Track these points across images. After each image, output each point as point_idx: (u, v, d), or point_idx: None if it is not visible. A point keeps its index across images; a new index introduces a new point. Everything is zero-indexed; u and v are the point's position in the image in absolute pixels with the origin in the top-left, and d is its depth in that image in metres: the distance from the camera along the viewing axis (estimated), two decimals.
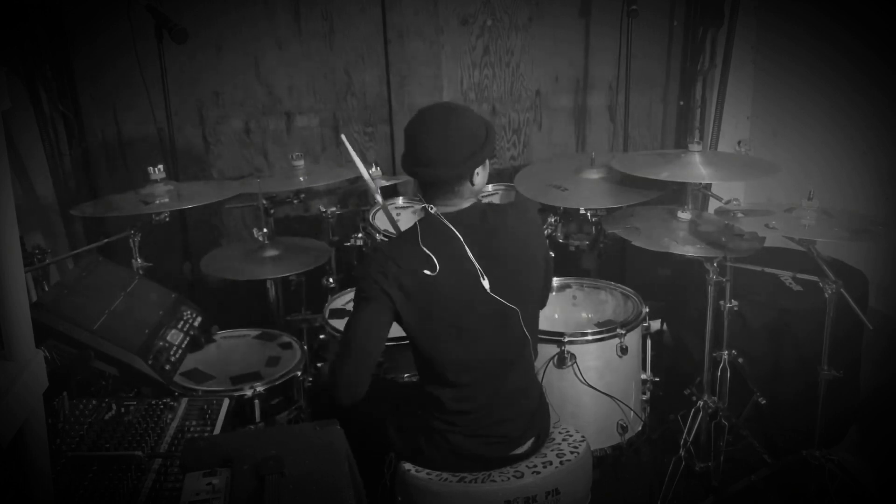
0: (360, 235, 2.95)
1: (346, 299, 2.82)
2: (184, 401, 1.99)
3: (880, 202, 2.84)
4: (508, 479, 1.94)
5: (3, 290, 1.24)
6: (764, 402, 2.70)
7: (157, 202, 2.61)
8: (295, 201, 3.05)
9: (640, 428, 2.66)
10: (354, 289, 1.94)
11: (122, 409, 1.93)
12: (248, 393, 2.28)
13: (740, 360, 2.69)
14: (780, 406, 2.77)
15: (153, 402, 1.97)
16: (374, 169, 3.07)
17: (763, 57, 3.58)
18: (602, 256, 3.07)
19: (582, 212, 2.89)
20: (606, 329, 2.55)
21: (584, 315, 2.86)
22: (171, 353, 2.27)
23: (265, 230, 2.79)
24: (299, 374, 2.43)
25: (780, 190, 3.15)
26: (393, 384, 2.42)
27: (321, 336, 2.68)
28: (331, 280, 3.00)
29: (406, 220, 3.13)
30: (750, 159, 2.81)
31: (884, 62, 2.85)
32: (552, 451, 2.05)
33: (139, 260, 2.63)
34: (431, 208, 1.91)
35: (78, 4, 3.04)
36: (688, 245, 2.50)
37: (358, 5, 3.32)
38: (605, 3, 3.44)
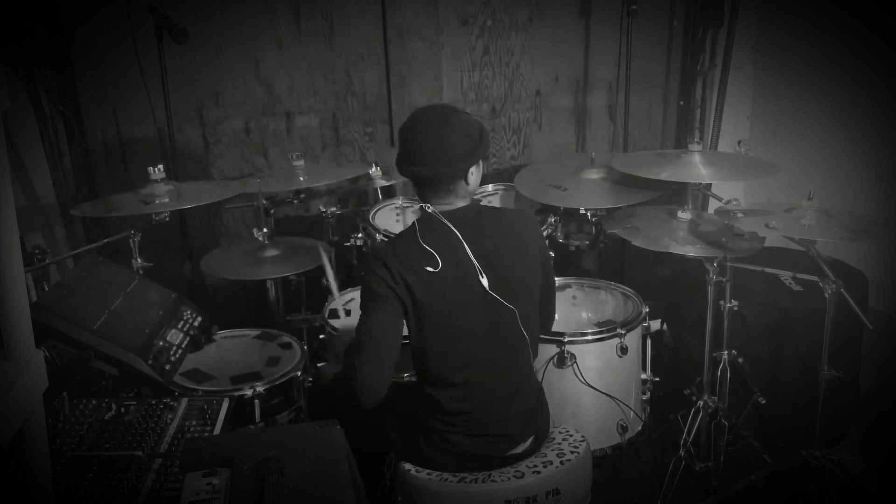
0: (360, 235, 2.95)
1: (345, 299, 2.82)
2: (184, 401, 1.99)
3: (880, 202, 2.84)
4: (509, 479, 1.94)
5: (3, 290, 1.24)
6: (764, 402, 2.70)
7: (157, 202, 2.61)
8: (295, 201, 3.05)
9: (640, 428, 2.66)
10: (360, 289, 1.93)
11: (122, 409, 1.93)
12: (248, 393, 2.28)
13: (740, 360, 2.69)
14: (780, 406, 2.77)
15: (153, 402, 1.97)
16: (374, 169, 3.08)
17: (763, 57, 3.58)
18: (602, 256, 3.08)
19: (582, 212, 2.90)
20: (606, 329, 2.55)
21: (584, 315, 2.86)
22: (171, 353, 2.27)
23: (265, 230, 2.79)
24: (299, 374, 2.43)
25: (780, 190, 3.15)
26: (393, 384, 2.41)
27: (321, 336, 2.68)
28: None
29: (406, 220, 3.13)
30: (750, 159, 2.81)
31: (884, 62, 2.85)
32: (552, 450, 2.05)
33: (139, 260, 2.63)
34: (429, 207, 1.92)
35: (78, 4, 3.04)
36: (688, 245, 2.50)
37: (358, 5, 3.32)
38: (605, 3, 3.45)
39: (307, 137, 3.45)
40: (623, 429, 2.57)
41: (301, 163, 2.99)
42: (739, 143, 2.82)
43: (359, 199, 3.44)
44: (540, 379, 2.42)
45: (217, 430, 1.87)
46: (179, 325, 2.40)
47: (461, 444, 1.96)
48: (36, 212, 3.07)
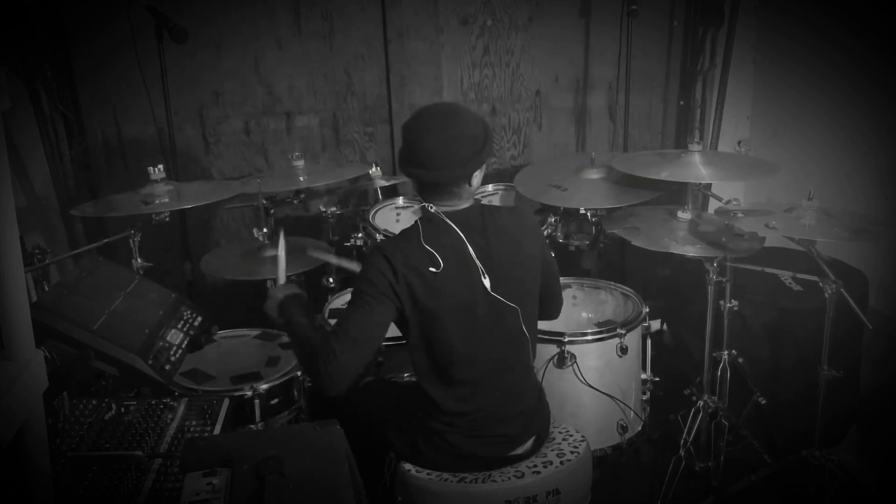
0: (360, 235, 2.95)
1: (345, 299, 2.81)
2: (184, 401, 1.99)
3: (880, 202, 2.84)
4: (509, 479, 1.94)
5: (3, 290, 1.24)
6: (764, 402, 2.70)
7: (157, 202, 2.61)
8: (295, 201, 3.05)
9: (640, 428, 2.66)
10: (358, 281, 1.91)
11: (122, 409, 1.93)
12: (248, 393, 2.29)
13: (740, 360, 2.69)
14: (780, 406, 2.77)
15: (153, 402, 1.97)
16: (374, 169, 3.08)
17: (763, 57, 3.58)
18: (602, 256, 3.07)
19: (582, 212, 2.90)
20: (606, 329, 2.55)
21: (584, 315, 2.86)
22: (171, 353, 2.27)
23: (265, 230, 2.79)
24: (299, 374, 2.43)
25: (780, 190, 3.15)
26: (393, 384, 2.42)
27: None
28: (331, 280, 2.99)
29: (406, 220, 3.13)
30: (750, 159, 2.81)
31: (884, 62, 2.85)
32: (552, 450, 2.05)
33: (139, 260, 2.63)
34: (431, 207, 1.91)
35: (78, 4, 3.04)
36: (688, 245, 2.50)
37: (358, 5, 3.32)
38: (605, 3, 3.44)
39: (307, 137, 3.45)
40: (623, 429, 2.57)
41: (301, 163, 2.99)
42: (739, 143, 2.82)
43: (359, 199, 3.44)
44: (540, 379, 2.42)
45: (217, 430, 1.87)
46: (179, 325, 2.40)
47: (461, 444, 1.96)
48: (36, 212, 3.07)
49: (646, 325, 2.65)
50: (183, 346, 2.34)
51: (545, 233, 2.88)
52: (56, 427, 1.82)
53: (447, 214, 1.90)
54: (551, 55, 3.57)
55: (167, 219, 2.65)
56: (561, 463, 1.99)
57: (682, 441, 2.63)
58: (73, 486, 1.62)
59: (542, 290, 2.07)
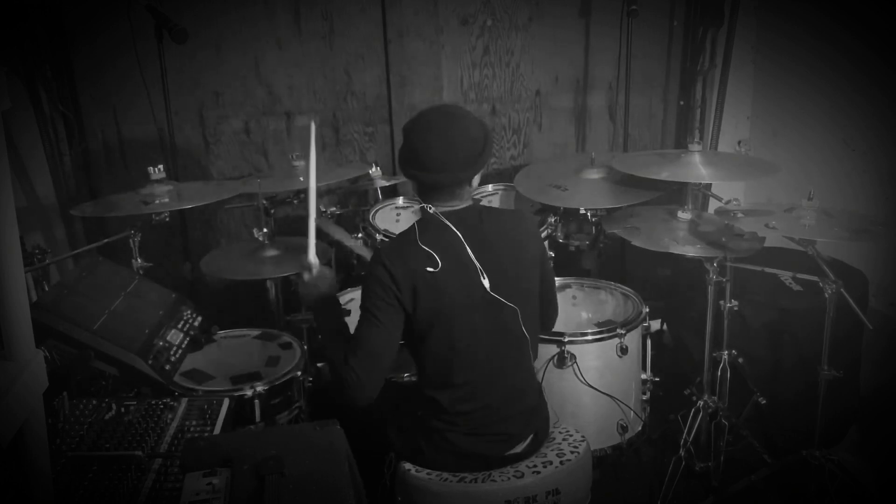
0: (360, 235, 2.95)
1: (346, 299, 2.82)
2: (184, 401, 1.99)
3: (880, 202, 2.84)
4: (509, 478, 1.94)
5: (3, 290, 1.24)
6: (764, 402, 2.70)
7: (157, 202, 2.61)
8: (295, 201, 3.05)
9: (640, 428, 2.66)
10: (360, 292, 1.94)
11: (122, 409, 1.93)
12: (248, 393, 2.28)
13: (740, 360, 2.69)
14: (780, 406, 2.77)
15: (153, 402, 1.97)
16: (374, 169, 3.08)
17: (763, 57, 3.58)
18: (602, 256, 3.08)
19: (582, 212, 2.89)
20: (606, 329, 2.55)
21: (584, 315, 2.86)
22: (171, 353, 2.27)
23: (265, 230, 2.79)
24: (299, 374, 2.43)
25: (780, 190, 3.15)
26: (393, 384, 2.42)
27: (320, 336, 2.67)
28: None
29: (406, 220, 3.13)
30: (750, 159, 2.81)
31: (884, 62, 2.85)
32: (552, 450, 2.05)
33: (139, 260, 2.63)
34: (430, 208, 1.91)
35: (78, 4, 3.04)
36: (688, 245, 2.50)
37: (358, 5, 3.32)
38: (605, 3, 3.44)
39: (307, 137, 3.44)
40: (623, 429, 2.57)
41: (301, 163, 2.99)
42: (739, 143, 2.83)
43: (359, 199, 3.44)
44: (540, 379, 2.42)
45: (217, 430, 1.88)
46: (179, 325, 2.40)
47: (461, 443, 1.96)
48: (36, 212, 3.07)
49: (646, 325, 2.65)
50: (183, 346, 2.35)
51: (545, 233, 2.88)
52: (56, 427, 1.82)
53: (445, 215, 1.91)
54: (551, 55, 3.57)
55: (167, 219, 2.65)
56: (561, 463, 1.99)
57: (682, 441, 2.63)
58: (73, 486, 1.62)
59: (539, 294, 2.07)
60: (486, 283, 1.89)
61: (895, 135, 2.84)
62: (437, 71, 3.48)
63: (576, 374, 2.48)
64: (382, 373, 1.90)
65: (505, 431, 1.99)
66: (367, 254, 2.42)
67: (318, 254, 2.06)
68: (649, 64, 3.62)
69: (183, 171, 3.16)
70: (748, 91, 3.66)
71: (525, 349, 2.01)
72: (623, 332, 2.52)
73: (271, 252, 2.80)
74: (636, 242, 2.55)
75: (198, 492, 1.35)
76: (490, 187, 3.32)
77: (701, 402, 2.68)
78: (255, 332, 2.66)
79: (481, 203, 3.01)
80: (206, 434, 1.85)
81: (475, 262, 1.89)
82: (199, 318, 2.51)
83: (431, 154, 1.85)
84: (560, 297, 2.83)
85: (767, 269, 2.62)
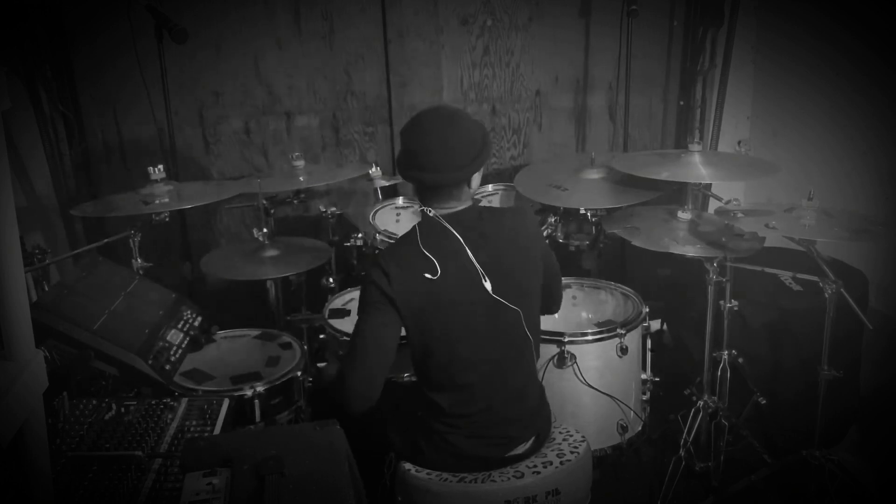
0: (360, 235, 2.95)
1: (345, 299, 2.82)
2: (184, 401, 1.98)
3: (880, 202, 2.84)
4: (508, 479, 1.94)
5: (3, 290, 1.24)
6: (764, 402, 2.70)
7: (157, 202, 2.61)
8: (295, 201, 3.06)
9: (640, 428, 2.66)
10: (359, 292, 1.94)
11: (122, 409, 1.93)
12: (248, 393, 2.28)
13: (740, 360, 2.69)
14: (780, 406, 2.77)
15: (153, 402, 1.97)
16: (374, 169, 3.08)
17: (763, 57, 3.58)
18: (602, 256, 3.07)
19: (582, 212, 2.90)
20: (606, 329, 2.55)
21: (584, 315, 2.86)
22: (171, 353, 2.27)
23: (265, 230, 2.79)
24: (299, 374, 2.43)
25: (780, 190, 3.15)
26: (393, 384, 2.41)
27: (321, 336, 2.68)
28: (331, 280, 2.99)
29: (406, 220, 3.13)
30: (750, 159, 2.81)
31: (884, 62, 2.85)
32: (552, 451, 2.05)
33: (139, 260, 2.63)
34: (430, 211, 1.91)
35: (78, 4, 3.04)
36: (688, 245, 2.50)
37: (358, 5, 3.32)
38: (605, 3, 3.44)
39: (307, 137, 3.45)
40: (623, 429, 2.57)
41: (301, 163, 2.99)
42: (739, 143, 2.82)
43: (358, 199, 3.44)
44: (540, 379, 2.42)
45: (217, 430, 1.87)
46: (179, 325, 2.40)
47: (462, 445, 1.96)
48: (36, 212, 3.07)
49: (646, 325, 2.65)
50: (183, 346, 2.35)
51: (545, 233, 2.88)
52: (56, 427, 1.82)
53: (445, 217, 1.90)
54: (551, 55, 3.57)
55: (167, 219, 2.65)
56: (561, 463, 1.99)
57: (682, 441, 2.63)
58: (73, 486, 1.62)
59: (542, 290, 2.07)
60: (487, 285, 1.89)
61: (895, 135, 2.84)
62: (437, 71, 3.48)
63: (576, 374, 2.48)
64: (381, 377, 1.90)
65: (506, 434, 1.99)
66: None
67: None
68: (649, 64, 3.62)
69: (183, 171, 3.16)
70: (748, 91, 3.66)
71: (527, 351, 2.00)
72: (623, 332, 2.52)
73: (271, 252, 2.81)
74: (636, 242, 2.55)
75: (198, 492, 1.35)
76: (490, 187, 3.32)
77: (701, 402, 2.68)
78: (255, 332, 2.67)
79: (481, 203, 3.01)
80: (206, 434, 1.85)
81: (476, 264, 1.89)
82: (199, 318, 2.51)
83: (429, 155, 1.85)
84: None
85: (767, 269, 2.62)
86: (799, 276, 2.59)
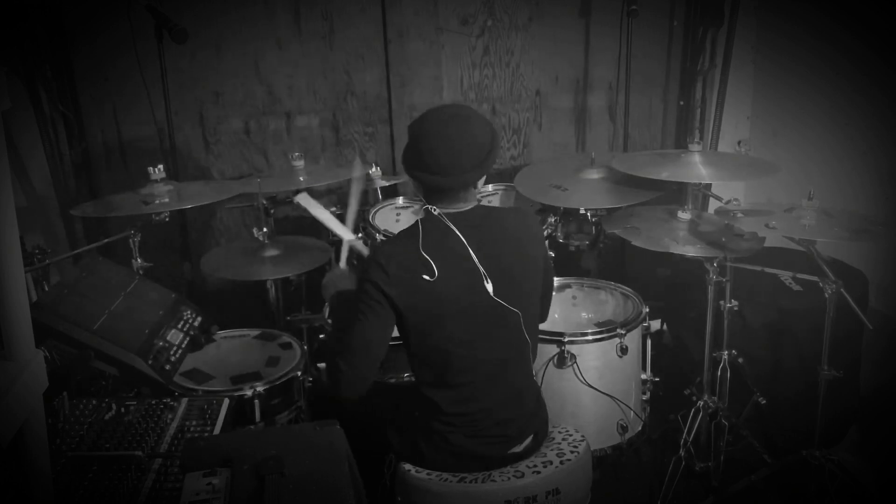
0: (360, 235, 2.94)
1: None
2: (184, 401, 1.99)
3: (880, 202, 2.84)
4: (508, 478, 1.94)
5: (3, 290, 1.24)
6: (764, 402, 2.70)
7: (157, 202, 2.61)
8: (295, 201, 3.05)
9: (640, 428, 2.66)
10: (357, 293, 1.93)
11: (122, 409, 1.93)
12: (248, 393, 2.29)
13: (740, 360, 2.69)
14: (780, 406, 2.77)
15: (153, 402, 1.97)
16: (374, 169, 3.08)
17: (763, 57, 3.58)
18: (602, 256, 3.08)
19: (582, 212, 2.90)
20: (606, 329, 2.55)
21: (584, 315, 2.86)
22: (171, 353, 2.27)
23: (265, 230, 2.79)
24: (299, 374, 2.43)
25: (780, 190, 3.15)
26: (393, 384, 2.42)
27: (321, 336, 2.68)
28: None
29: (406, 221, 3.13)
30: (750, 159, 2.81)
31: (884, 62, 2.85)
32: (552, 450, 2.04)
33: (139, 260, 2.63)
34: (434, 210, 1.90)
35: (78, 4, 3.04)
36: (688, 245, 2.50)
37: (358, 5, 3.32)
38: (605, 3, 3.44)
39: (307, 137, 3.45)
40: (623, 429, 2.57)
41: (301, 163, 2.99)
42: (739, 143, 2.83)
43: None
44: (540, 379, 2.42)
45: (217, 430, 1.87)
46: (179, 325, 2.40)
47: (461, 444, 1.96)
48: (36, 212, 3.07)
49: (646, 325, 2.64)
50: (183, 346, 2.35)
51: (545, 233, 2.88)
52: (56, 427, 1.82)
53: (449, 217, 1.89)
54: (551, 55, 3.57)
55: (167, 219, 2.65)
56: (561, 463, 1.99)
57: (682, 441, 2.63)
58: (73, 486, 1.62)
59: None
60: (489, 287, 1.88)
61: (895, 135, 2.84)
62: (437, 71, 3.48)
63: (576, 374, 2.48)
64: (369, 370, 1.90)
65: (504, 434, 1.99)
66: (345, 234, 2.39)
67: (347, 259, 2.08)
68: (649, 64, 3.62)
69: (183, 171, 3.16)
70: (748, 91, 3.66)
71: (525, 352, 2.00)
72: (623, 332, 2.52)
73: (271, 252, 2.81)
74: (636, 242, 2.55)
75: (198, 492, 1.35)
76: (490, 187, 3.32)
77: (701, 402, 2.68)
78: (255, 332, 2.67)
79: (481, 203, 3.01)
80: (206, 434, 1.85)
81: (479, 266, 1.88)
82: (199, 318, 2.51)
83: (437, 157, 1.83)
84: (560, 297, 2.85)
85: (767, 269, 2.62)
86: (799, 276, 2.59)
